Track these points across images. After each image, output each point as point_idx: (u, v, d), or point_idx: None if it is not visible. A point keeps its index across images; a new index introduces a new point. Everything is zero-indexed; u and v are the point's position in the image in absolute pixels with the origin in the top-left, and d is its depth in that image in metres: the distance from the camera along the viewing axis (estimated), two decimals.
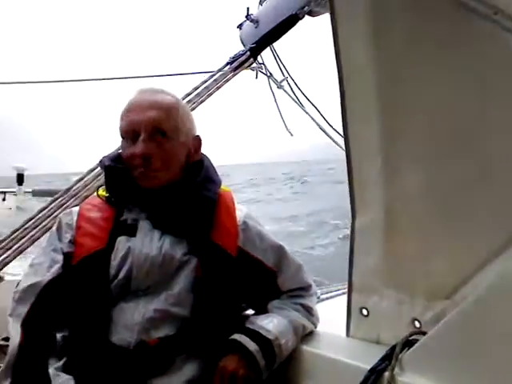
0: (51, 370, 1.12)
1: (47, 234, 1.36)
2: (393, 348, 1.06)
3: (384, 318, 1.22)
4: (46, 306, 1.17)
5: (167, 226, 1.23)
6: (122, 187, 1.26)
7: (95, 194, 1.35)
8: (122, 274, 1.16)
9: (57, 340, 1.18)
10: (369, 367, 1.05)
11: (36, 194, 3.83)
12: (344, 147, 1.24)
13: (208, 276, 1.20)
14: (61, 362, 1.15)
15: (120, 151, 1.31)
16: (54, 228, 1.30)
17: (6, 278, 2.11)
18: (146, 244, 1.19)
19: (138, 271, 1.16)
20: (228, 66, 1.83)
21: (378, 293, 1.23)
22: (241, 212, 1.34)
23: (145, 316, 1.14)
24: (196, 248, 1.22)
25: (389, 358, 1.05)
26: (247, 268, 1.28)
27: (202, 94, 1.71)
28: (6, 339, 1.67)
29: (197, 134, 1.33)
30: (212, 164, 1.35)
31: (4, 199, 3.51)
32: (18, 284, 1.22)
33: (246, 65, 1.84)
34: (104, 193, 1.31)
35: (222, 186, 1.35)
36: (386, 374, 1.02)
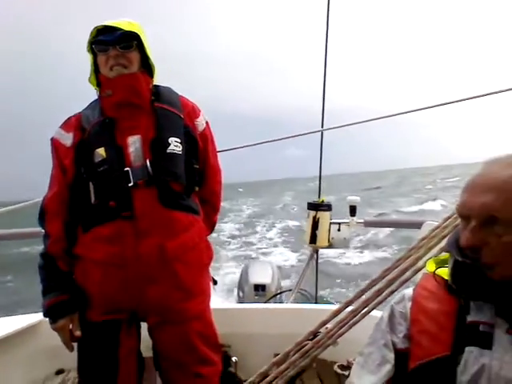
0: None
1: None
2: None
3: None
4: None
5: None
6: (475, 284, 0.99)
7: (429, 269, 1.12)
8: None
9: None
10: None
11: (367, 224, 3.90)
12: None
13: None
14: None
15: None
16: (386, 315, 1.13)
17: None
18: (507, 365, 0.91)
19: None
20: None
21: None
22: None
23: None
24: None
25: None
26: None
27: None
28: None
29: None
30: None
31: (339, 229, 3.70)
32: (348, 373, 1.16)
33: None
34: (444, 274, 1.06)
35: None
36: None
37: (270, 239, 18.67)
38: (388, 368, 1.06)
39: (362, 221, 3.77)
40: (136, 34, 1.73)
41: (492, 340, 0.94)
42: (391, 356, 1.07)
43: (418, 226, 3.33)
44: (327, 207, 3.61)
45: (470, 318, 0.98)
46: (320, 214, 3.55)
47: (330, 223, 3.64)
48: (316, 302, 3.71)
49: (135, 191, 1.69)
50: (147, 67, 1.83)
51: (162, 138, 1.75)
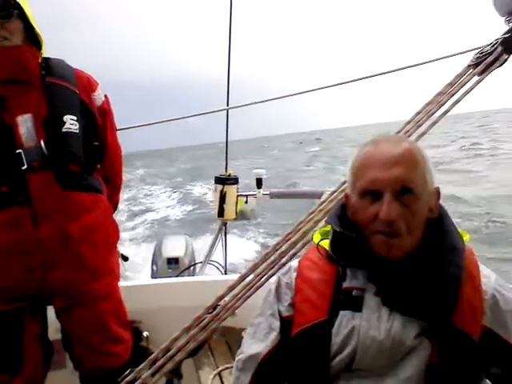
0: None
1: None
2: None
3: None
4: (265, 378, 1.16)
5: (398, 303, 1.05)
6: (351, 253, 1.11)
7: (315, 240, 1.23)
8: (344, 354, 1.04)
9: None
10: None
11: (273, 196, 4.10)
12: None
13: (444, 364, 1.00)
14: None
15: (344, 203, 1.17)
16: (274, 287, 1.23)
17: None
18: (373, 324, 1.03)
19: (362, 354, 1.03)
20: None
21: None
22: (488, 280, 1.08)
23: None
24: (432, 331, 1.02)
25: None
26: (495, 355, 1.06)
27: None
28: None
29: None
30: (451, 220, 1.11)
31: (246, 202, 3.86)
32: (241, 344, 1.24)
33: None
34: (325, 245, 1.18)
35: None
36: None
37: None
38: (274, 335, 1.17)
39: (268, 193, 3.94)
40: (15, 2, 1.60)
41: (362, 304, 1.06)
42: (277, 324, 1.17)
43: (319, 196, 3.56)
44: (234, 181, 3.71)
45: (345, 285, 1.09)
46: (227, 188, 3.64)
47: (237, 196, 3.76)
48: (226, 273, 3.85)
49: (30, 174, 1.62)
50: (33, 39, 1.70)
51: (56, 116, 1.67)
